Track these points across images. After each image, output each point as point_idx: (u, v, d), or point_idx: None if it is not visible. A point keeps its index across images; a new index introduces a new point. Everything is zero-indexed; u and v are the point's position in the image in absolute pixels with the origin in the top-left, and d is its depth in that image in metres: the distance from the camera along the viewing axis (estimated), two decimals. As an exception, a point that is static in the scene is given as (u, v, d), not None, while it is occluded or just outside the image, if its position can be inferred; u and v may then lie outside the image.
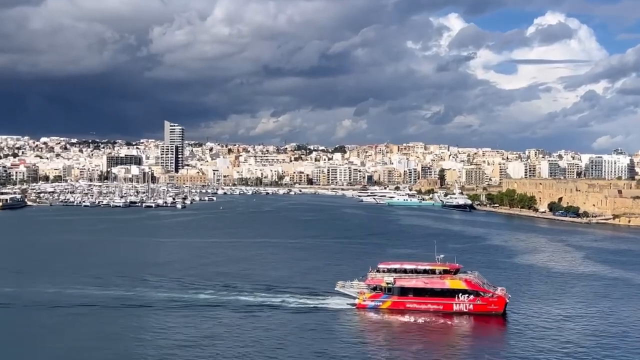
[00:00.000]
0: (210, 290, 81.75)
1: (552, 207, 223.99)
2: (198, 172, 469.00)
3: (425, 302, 72.80)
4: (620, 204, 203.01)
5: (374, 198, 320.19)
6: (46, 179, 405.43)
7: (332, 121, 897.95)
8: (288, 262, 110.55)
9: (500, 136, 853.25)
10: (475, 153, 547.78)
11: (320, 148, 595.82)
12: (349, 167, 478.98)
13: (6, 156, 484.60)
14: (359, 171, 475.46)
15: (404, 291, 73.56)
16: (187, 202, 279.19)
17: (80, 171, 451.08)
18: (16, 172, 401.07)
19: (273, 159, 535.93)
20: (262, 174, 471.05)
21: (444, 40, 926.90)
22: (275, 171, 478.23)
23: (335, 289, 76.53)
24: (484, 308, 71.80)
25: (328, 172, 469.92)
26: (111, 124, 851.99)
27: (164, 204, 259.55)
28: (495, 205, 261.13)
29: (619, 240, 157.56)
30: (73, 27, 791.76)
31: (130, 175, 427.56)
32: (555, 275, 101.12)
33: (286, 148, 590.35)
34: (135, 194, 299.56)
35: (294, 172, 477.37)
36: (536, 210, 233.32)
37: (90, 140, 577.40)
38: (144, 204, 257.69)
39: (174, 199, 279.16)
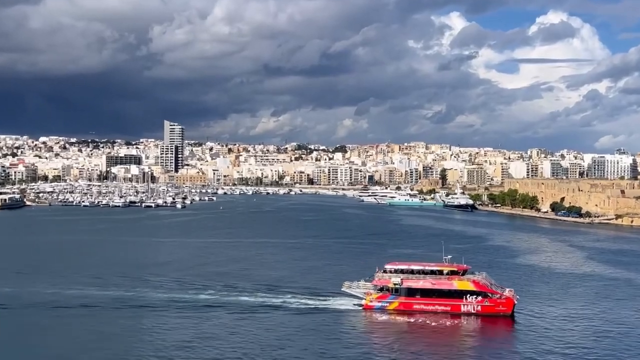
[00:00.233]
0: (211, 290, 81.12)
1: (555, 207, 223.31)
2: (198, 172, 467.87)
3: (432, 303, 72.22)
4: (623, 204, 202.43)
5: (375, 198, 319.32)
6: (45, 178, 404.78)
7: (333, 120, 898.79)
8: (289, 262, 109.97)
9: (502, 136, 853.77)
10: (477, 153, 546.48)
11: (321, 148, 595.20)
12: (349, 167, 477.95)
13: (5, 156, 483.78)
14: (360, 171, 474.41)
15: (411, 292, 72.97)
16: (187, 202, 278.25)
17: (80, 171, 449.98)
18: (15, 172, 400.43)
19: (273, 159, 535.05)
20: (262, 173, 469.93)
21: (445, 39, 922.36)
22: (275, 171, 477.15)
23: (342, 289, 75.99)
24: (492, 309, 71.16)
25: (329, 172, 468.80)
26: (111, 123, 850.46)
27: (164, 204, 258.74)
28: (497, 205, 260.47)
29: (621, 240, 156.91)
30: (72, 26, 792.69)
31: (129, 175, 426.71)
32: (560, 275, 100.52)
33: (287, 148, 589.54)
34: (135, 193, 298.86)
35: (295, 172, 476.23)
36: (538, 210, 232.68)
37: (89, 140, 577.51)
38: (143, 204, 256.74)
39: (173, 198, 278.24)
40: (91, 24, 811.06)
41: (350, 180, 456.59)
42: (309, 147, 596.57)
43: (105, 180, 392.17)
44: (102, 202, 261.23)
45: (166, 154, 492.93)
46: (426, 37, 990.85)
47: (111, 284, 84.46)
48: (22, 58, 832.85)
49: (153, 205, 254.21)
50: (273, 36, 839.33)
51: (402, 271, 74.83)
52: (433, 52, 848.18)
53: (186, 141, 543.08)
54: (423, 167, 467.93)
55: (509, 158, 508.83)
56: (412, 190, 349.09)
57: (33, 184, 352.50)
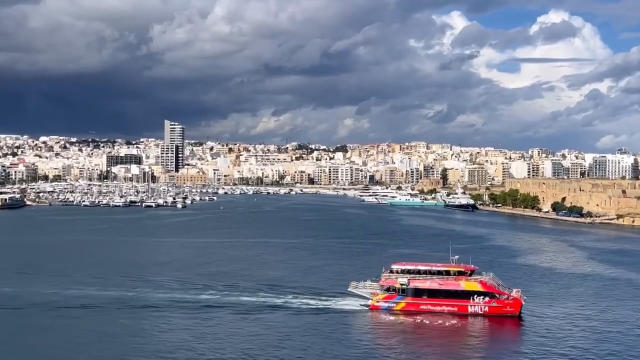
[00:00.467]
0: (212, 290, 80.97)
1: (556, 207, 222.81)
2: (198, 172, 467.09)
3: (439, 303, 72.19)
4: (624, 204, 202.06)
5: (375, 198, 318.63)
6: (45, 178, 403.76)
7: (334, 120, 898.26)
8: (290, 262, 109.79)
9: (503, 135, 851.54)
10: (478, 152, 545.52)
11: (322, 147, 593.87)
12: (350, 167, 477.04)
13: (5, 155, 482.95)
14: (361, 171, 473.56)
15: (418, 292, 72.94)
16: (188, 201, 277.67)
17: (80, 170, 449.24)
18: (15, 172, 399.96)
19: (274, 159, 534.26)
20: (263, 173, 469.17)
21: (446, 38, 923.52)
22: (276, 171, 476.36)
23: (349, 289, 75.83)
24: (499, 310, 71.17)
25: (329, 172, 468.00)
26: (111, 123, 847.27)
27: (164, 204, 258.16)
28: (498, 205, 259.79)
29: (622, 240, 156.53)
30: (72, 25, 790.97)
31: (130, 175, 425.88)
32: (562, 275, 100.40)
33: (287, 147, 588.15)
34: (135, 193, 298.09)
35: (295, 172, 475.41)
36: (539, 210, 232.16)
37: (89, 140, 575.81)
38: (144, 204, 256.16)
39: (174, 198, 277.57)
40: (91, 23, 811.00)
41: (351, 180, 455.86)
42: (310, 146, 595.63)
43: (105, 180, 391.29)
44: (102, 201, 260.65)
45: (166, 153, 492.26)
46: (427, 37, 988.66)
47: (111, 284, 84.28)
48: (22, 57, 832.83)
49: (153, 205, 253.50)
50: (274, 35, 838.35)
51: (408, 271, 74.77)
52: (434, 52, 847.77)
53: (186, 141, 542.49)
54: (424, 167, 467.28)
55: (510, 158, 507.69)
56: (413, 190, 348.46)
57: (33, 183, 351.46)
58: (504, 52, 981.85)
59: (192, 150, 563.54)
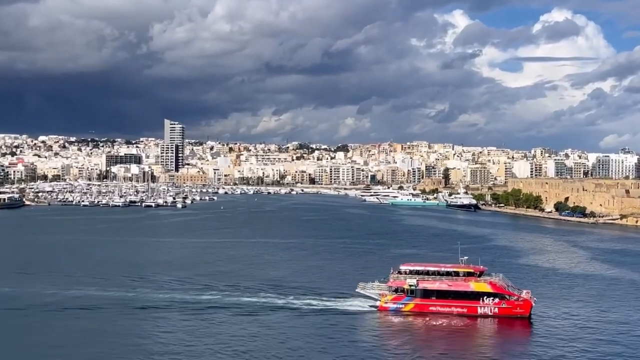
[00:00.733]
0: (213, 291, 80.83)
1: (559, 207, 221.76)
2: (198, 172, 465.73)
3: (449, 305, 71.84)
4: (628, 203, 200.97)
5: (377, 198, 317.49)
6: (44, 178, 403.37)
7: (335, 119, 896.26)
8: (291, 262, 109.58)
9: (506, 135, 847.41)
10: (480, 152, 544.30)
11: (323, 147, 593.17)
12: (351, 167, 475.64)
13: (4, 155, 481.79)
14: (362, 170, 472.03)
15: (427, 293, 72.65)
16: (188, 201, 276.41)
17: (79, 170, 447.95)
18: (14, 171, 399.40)
19: (275, 158, 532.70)
20: (263, 173, 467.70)
21: (448, 37, 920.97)
22: (276, 170, 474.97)
23: (357, 290, 75.50)
24: (509, 311, 70.84)
25: (330, 172, 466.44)
26: (110, 122, 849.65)
27: (164, 204, 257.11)
28: (501, 205, 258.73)
29: (626, 240, 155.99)
30: (72, 24, 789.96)
31: (129, 175, 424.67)
32: (567, 276, 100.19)
33: (288, 147, 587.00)
34: (135, 193, 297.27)
35: (296, 172, 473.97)
36: (542, 210, 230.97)
37: (89, 139, 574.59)
38: (143, 204, 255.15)
39: (174, 198, 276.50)
40: (91, 22, 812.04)
41: (352, 179, 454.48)
42: (311, 146, 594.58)
43: (105, 180, 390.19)
44: (101, 201, 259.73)
45: (166, 153, 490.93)
46: (429, 36, 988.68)
47: (111, 285, 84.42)
48: (21, 56, 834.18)
49: (153, 204, 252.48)
50: (274, 34, 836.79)
51: (417, 272, 74.57)
52: (436, 51, 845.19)
53: (187, 140, 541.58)
54: (426, 167, 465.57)
55: (513, 157, 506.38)
56: (414, 190, 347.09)
57: (32, 183, 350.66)
58: (507, 51, 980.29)
59: (192, 149, 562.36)
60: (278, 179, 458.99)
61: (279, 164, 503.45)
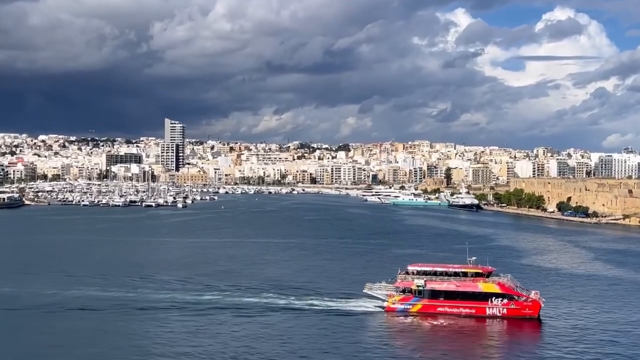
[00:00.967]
0: (214, 291, 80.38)
1: (561, 207, 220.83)
2: (199, 171, 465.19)
3: (457, 305, 71.25)
4: (631, 203, 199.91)
5: (378, 197, 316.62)
6: (44, 177, 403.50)
7: (336, 119, 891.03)
8: (291, 262, 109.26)
9: (508, 134, 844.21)
10: (483, 152, 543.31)
11: (324, 146, 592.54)
12: (353, 166, 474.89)
13: (3, 154, 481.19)
14: (364, 170, 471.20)
15: (435, 294, 72.10)
16: (188, 201, 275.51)
17: (79, 170, 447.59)
18: (14, 171, 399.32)
19: (275, 158, 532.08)
20: (264, 172, 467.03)
21: (450, 36, 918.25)
22: (277, 170, 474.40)
23: (364, 291, 74.94)
24: (518, 312, 70.31)
25: (332, 171, 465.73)
26: (110, 121, 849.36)
27: (165, 204, 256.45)
28: (503, 205, 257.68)
29: (629, 240, 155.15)
30: (72, 22, 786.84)
31: (130, 174, 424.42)
32: (570, 276, 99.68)
33: (289, 146, 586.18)
34: (135, 193, 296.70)
35: (297, 171, 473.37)
36: (544, 210, 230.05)
37: (89, 138, 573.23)
38: (144, 203, 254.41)
39: (174, 198, 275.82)
40: (91, 20, 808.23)
41: (354, 179, 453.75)
42: (312, 145, 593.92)
43: (105, 179, 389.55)
44: (102, 201, 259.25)
45: (167, 152, 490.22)
46: (431, 34, 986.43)
47: (111, 285, 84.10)
48: (21, 55, 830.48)
49: (153, 204, 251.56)
50: (275, 33, 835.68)
51: (425, 273, 74.04)
52: (438, 50, 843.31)
53: (187, 140, 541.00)
54: (427, 166, 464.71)
55: (515, 157, 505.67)
56: (416, 189, 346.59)
57: (32, 182, 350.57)
58: (509, 49, 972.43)
59: (193, 149, 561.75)
60: (279, 179, 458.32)
61: (280, 163, 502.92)
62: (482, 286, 71.18)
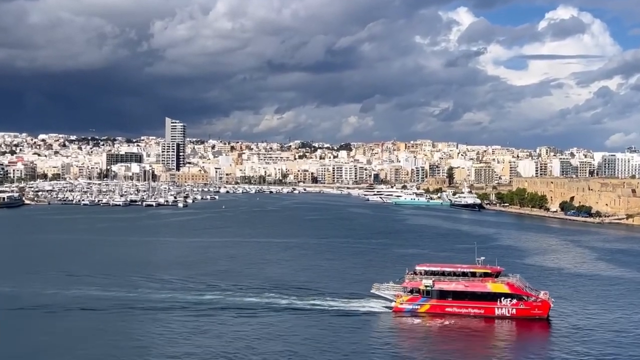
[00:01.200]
0: (216, 291, 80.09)
1: (564, 206, 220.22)
2: (200, 170, 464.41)
3: (465, 306, 70.82)
4: (634, 203, 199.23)
5: (380, 197, 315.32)
6: (44, 176, 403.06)
7: (338, 118, 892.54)
8: (292, 262, 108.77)
9: (511, 133, 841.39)
10: (485, 151, 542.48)
11: (326, 145, 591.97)
12: (354, 165, 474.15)
13: (3, 153, 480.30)
14: (365, 169, 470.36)
15: (443, 294, 71.67)
16: (189, 200, 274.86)
17: (79, 169, 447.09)
18: (14, 170, 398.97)
19: (277, 157, 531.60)
20: (265, 172, 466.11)
21: (453, 34, 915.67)
22: (279, 169, 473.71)
23: (371, 291, 74.58)
24: (527, 312, 69.84)
25: (333, 171, 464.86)
26: (111, 120, 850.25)
27: (165, 203, 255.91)
28: (505, 204, 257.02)
29: (632, 240, 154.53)
30: (72, 21, 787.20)
31: (130, 173, 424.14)
32: (573, 276, 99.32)
33: (290, 145, 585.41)
34: (136, 192, 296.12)
35: (299, 170, 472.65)
36: (547, 209, 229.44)
37: (89, 137, 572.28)
38: (144, 203, 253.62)
39: (175, 197, 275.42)
40: (91, 19, 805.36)
41: (355, 178, 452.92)
42: (313, 145, 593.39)
43: (105, 179, 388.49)
44: (102, 200, 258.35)
45: (167, 151, 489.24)
46: (433, 33, 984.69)
47: (112, 285, 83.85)
48: (21, 54, 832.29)
49: (154, 204, 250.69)
50: (277, 32, 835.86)
51: (433, 273, 73.60)
52: (440, 48, 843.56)
53: (188, 139, 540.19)
54: (430, 166, 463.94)
55: (518, 156, 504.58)
56: (418, 189, 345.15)
57: (32, 182, 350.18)
58: (512, 48, 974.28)
59: (194, 148, 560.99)
60: (280, 178, 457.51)
61: (281, 162, 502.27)
62: (491, 286, 70.71)
